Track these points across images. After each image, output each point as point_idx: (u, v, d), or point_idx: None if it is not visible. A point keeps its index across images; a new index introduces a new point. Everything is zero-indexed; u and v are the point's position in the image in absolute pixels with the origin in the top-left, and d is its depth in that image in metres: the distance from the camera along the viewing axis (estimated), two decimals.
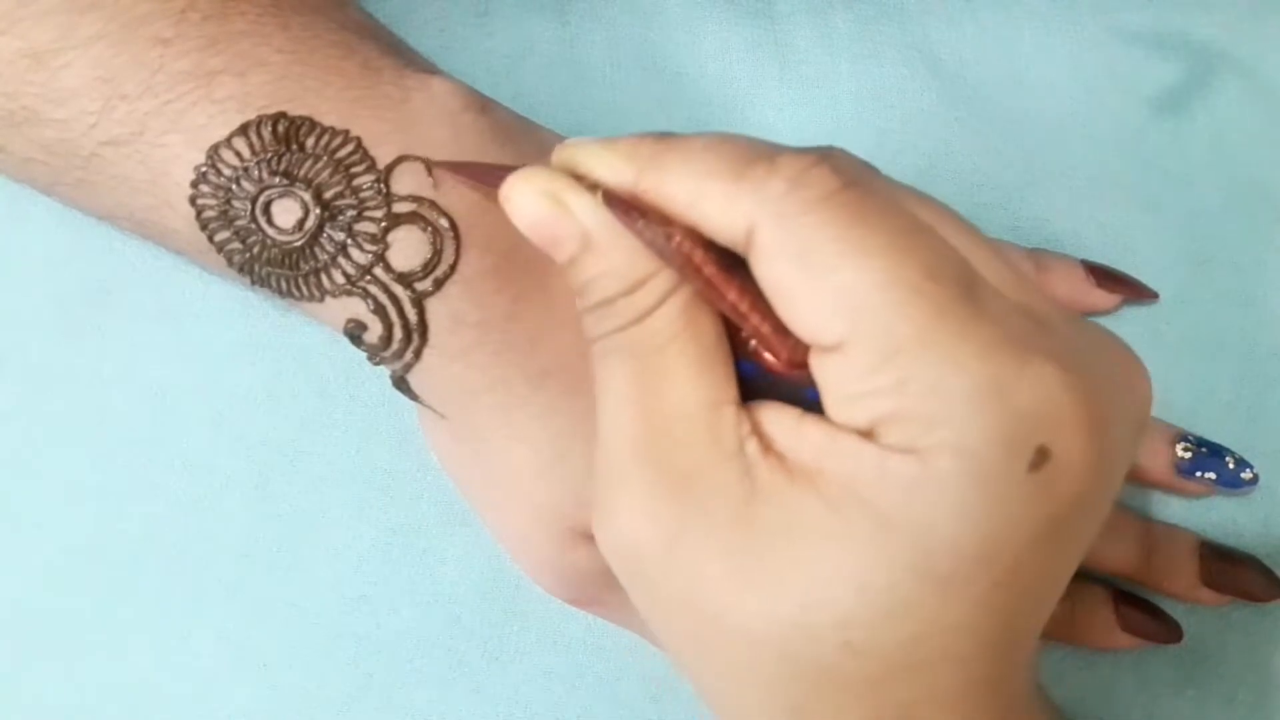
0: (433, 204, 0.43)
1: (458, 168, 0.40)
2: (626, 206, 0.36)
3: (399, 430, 0.49)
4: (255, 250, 0.44)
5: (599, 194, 0.36)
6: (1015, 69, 0.54)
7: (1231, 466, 0.49)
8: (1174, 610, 0.49)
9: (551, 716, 0.48)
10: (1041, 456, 0.33)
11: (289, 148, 0.43)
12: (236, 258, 0.44)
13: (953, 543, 0.33)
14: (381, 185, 0.43)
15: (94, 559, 0.48)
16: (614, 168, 0.36)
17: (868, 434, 0.34)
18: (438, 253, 0.43)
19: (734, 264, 0.35)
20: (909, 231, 0.34)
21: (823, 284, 0.33)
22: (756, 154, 0.35)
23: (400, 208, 0.43)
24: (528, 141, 0.46)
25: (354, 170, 0.43)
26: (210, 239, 0.44)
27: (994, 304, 0.34)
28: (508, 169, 0.37)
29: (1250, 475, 0.49)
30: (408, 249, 0.44)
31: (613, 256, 0.36)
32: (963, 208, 0.50)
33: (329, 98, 0.44)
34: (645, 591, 0.38)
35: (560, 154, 0.37)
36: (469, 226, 0.44)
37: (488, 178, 0.38)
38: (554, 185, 0.36)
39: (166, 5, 0.43)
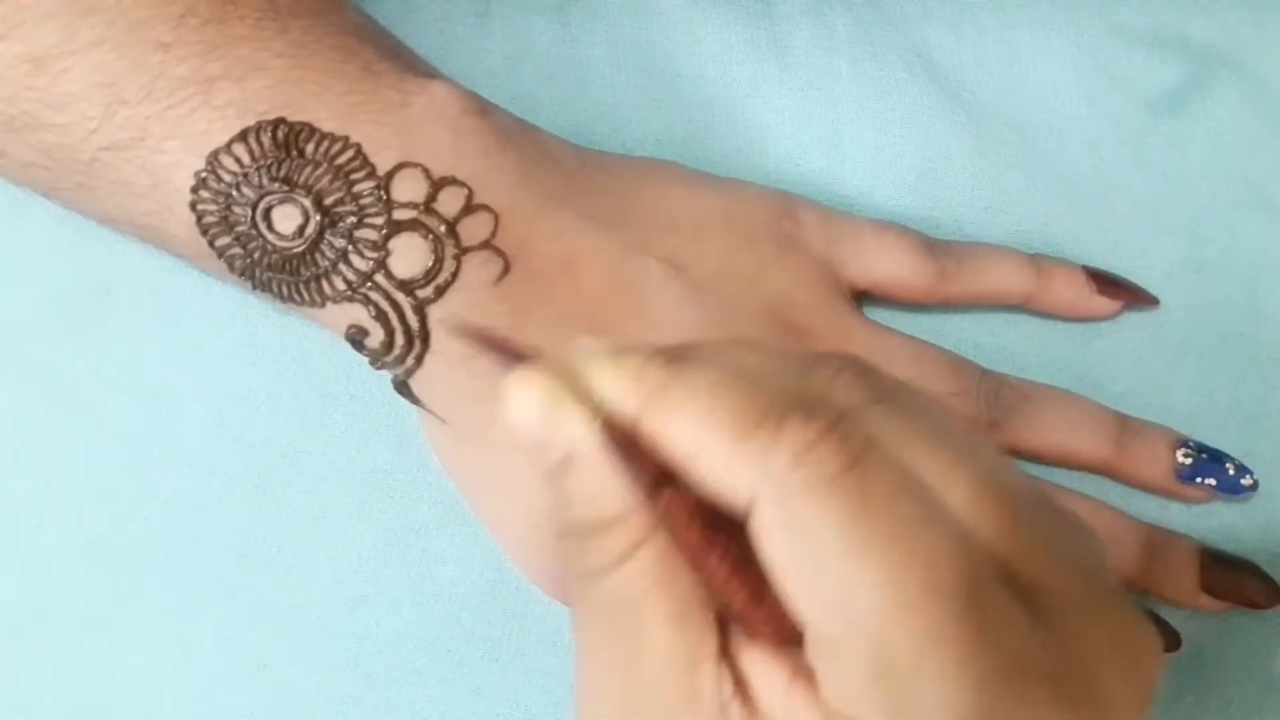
0: (434, 211, 0.43)
1: (476, 336, 0.39)
2: (623, 444, 0.33)
3: (399, 430, 0.49)
4: (256, 256, 0.44)
5: (598, 423, 0.34)
6: (1015, 71, 0.54)
7: (1232, 472, 0.49)
8: (1173, 616, 0.49)
9: (551, 717, 0.48)
10: None
11: (288, 154, 0.43)
12: (238, 263, 0.44)
13: None
14: (381, 192, 0.43)
15: (94, 559, 0.48)
16: (619, 392, 0.34)
17: None
18: (439, 260, 0.43)
19: (723, 519, 0.33)
20: (915, 527, 0.32)
21: (821, 579, 0.32)
22: (764, 411, 0.32)
23: (401, 215, 0.43)
24: (529, 145, 0.46)
25: (354, 177, 0.43)
26: (211, 244, 0.44)
27: (999, 615, 0.32)
28: (521, 353, 0.36)
29: (1250, 481, 0.49)
30: (409, 256, 0.44)
31: (592, 482, 0.34)
32: (962, 211, 0.51)
33: (328, 102, 0.44)
34: None
35: (569, 359, 0.35)
36: (470, 235, 0.44)
37: (500, 353, 0.37)
38: (552, 396, 0.34)
39: (166, 10, 0.43)
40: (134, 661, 0.48)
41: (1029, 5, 0.54)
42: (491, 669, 0.48)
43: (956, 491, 0.33)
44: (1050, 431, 0.49)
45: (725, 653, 0.34)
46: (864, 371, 0.35)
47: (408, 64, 0.46)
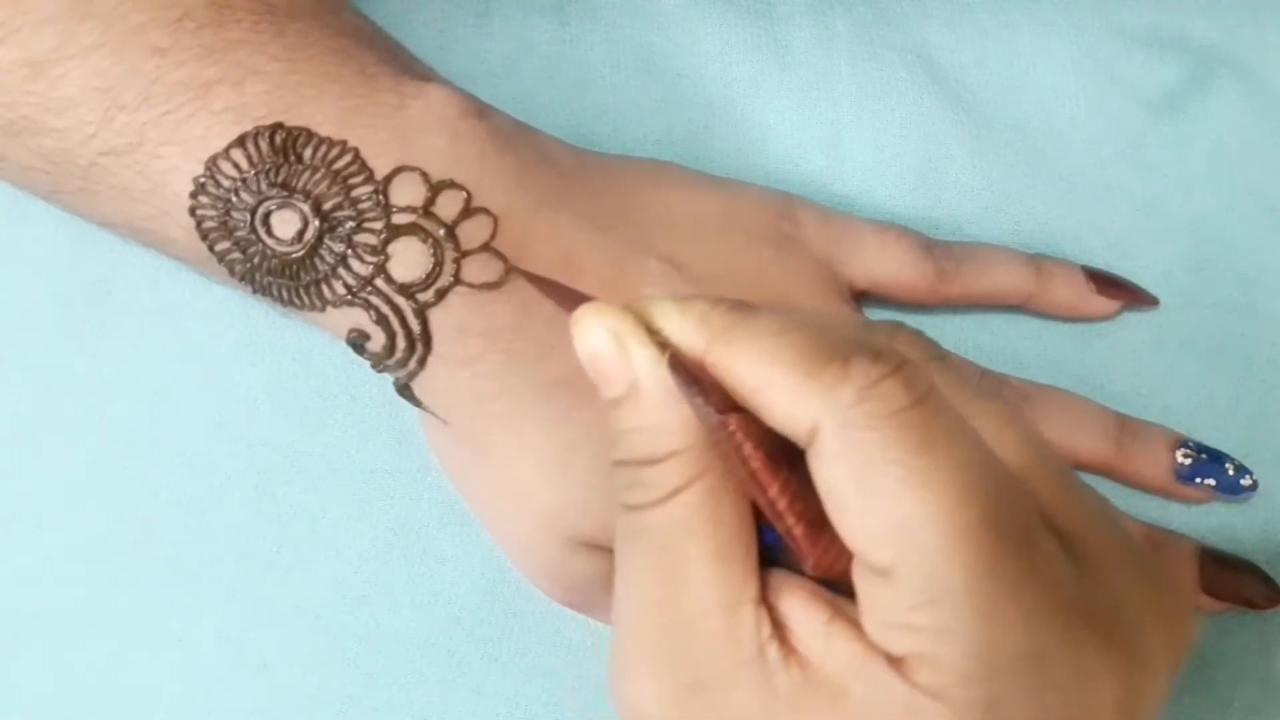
0: (433, 215, 0.43)
1: (538, 281, 0.40)
2: (689, 376, 0.35)
3: (399, 430, 0.49)
4: (256, 261, 0.44)
5: (667, 355, 0.35)
6: (1015, 72, 0.54)
7: (1231, 473, 0.49)
8: None
9: (551, 717, 0.48)
10: None
11: (286, 159, 0.43)
12: (238, 268, 0.44)
13: None
14: (380, 196, 0.43)
15: (94, 559, 0.48)
16: (685, 331, 0.35)
17: (899, 662, 0.33)
18: (439, 264, 0.43)
19: (782, 452, 0.34)
20: (973, 466, 0.33)
21: (879, 508, 0.33)
22: (830, 352, 0.33)
23: (399, 219, 0.43)
24: (526, 147, 0.46)
25: (352, 181, 0.43)
26: (210, 249, 0.44)
27: (1047, 556, 0.34)
28: (583, 296, 0.37)
29: (1250, 481, 0.49)
30: (409, 260, 0.44)
31: (653, 416, 0.35)
32: (963, 212, 0.51)
33: (325, 106, 0.44)
34: None
35: (636, 304, 0.36)
36: (470, 238, 0.44)
37: (564, 297, 0.38)
38: (623, 327, 0.35)
39: (162, 14, 0.43)
40: (134, 661, 0.48)
41: (1029, 5, 0.54)
42: (492, 669, 0.48)
43: (1009, 447, 0.35)
44: (1050, 431, 0.49)
45: (764, 598, 0.36)
46: (919, 333, 0.37)
47: (405, 66, 0.46)
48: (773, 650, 0.35)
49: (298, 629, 0.48)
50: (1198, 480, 0.49)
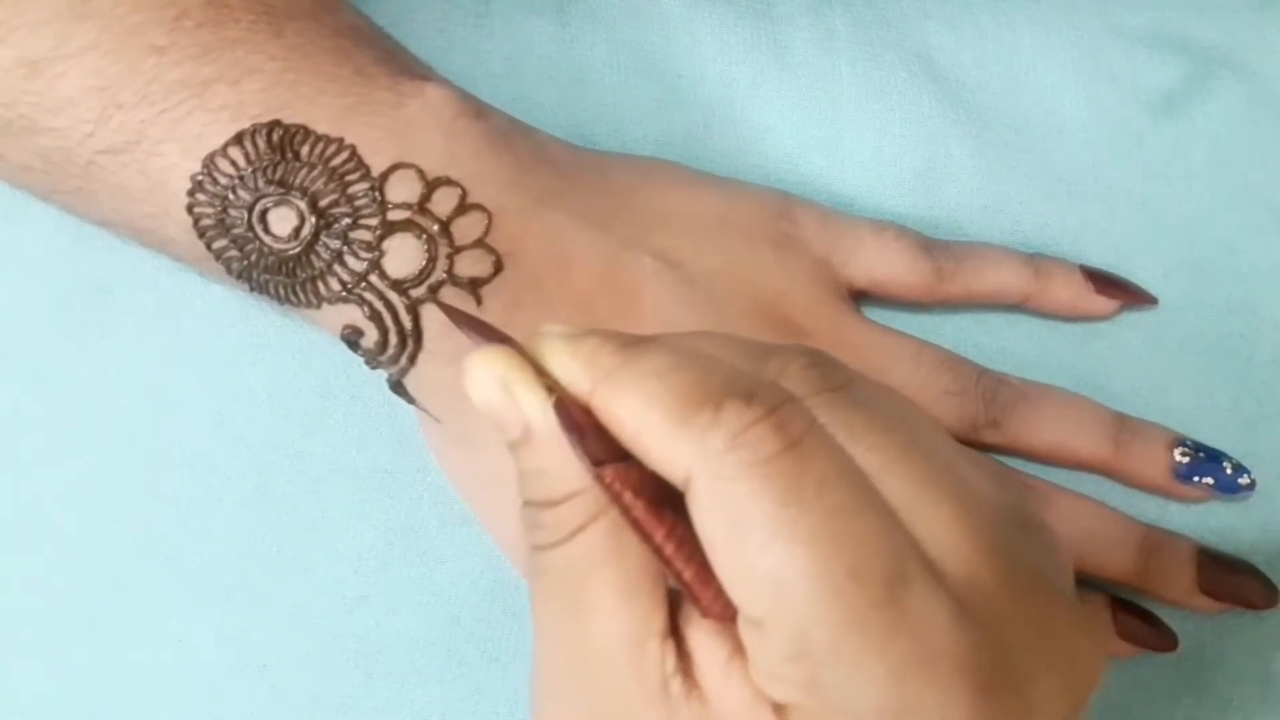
0: (427, 211, 0.44)
1: (452, 313, 0.40)
2: (574, 421, 0.34)
3: (399, 430, 0.49)
4: (253, 258, 0.44)
5: (553, 399, 0.34)
6: (1015, 72, 0.54)
7: (1229, 472, 0.49)
8: (1171, 616, 0.48)
9: None
10: None
11: (284, 156, 0.43)
12: (235, 265, 0.44)
13: None
14: (376, 193, 0.44)
15: (94, 559, 0.48)
16: (571, 372, 0.34)
17: (781, 709, 0.33)
18: (432, 260, 0.44)
19: (671, 496, 0.34)
20: (844, 513, 0.32)
21: (749, 560, 0.32)
22: (704, 395, 0.33)
23: (395, 215, 0.44)
24: (524, 146, 0.46)
25: (348, 178, 0.44)
26: (208, 247, 0.44)
27: (920, 605, 0.32)
28: (496, 332, 0.37)
29: (1248, 481, 0.49)
30: (402, 256, 0.44)
31: (548, 459, 0.35)
32: (962, 212, 0.51)
33: (323, 105, 0.44)
34: None
35: (531, 340, 0.36)
36: (463, 234, 0.44)
37: (477, 331, 0.38)
38: (509, 375, 0.35)
39: (160, 13, 0.43)
40: (134, 661, 0.48)
41: (1029, 6, 0.54)
42: (491, 669, 0.48)
43: (896, 483, 0.34)
44: (1049, 431, 0.49)
45: (674, 630, 0.35)
46: (817, 362, 0.36)
47: (403, 66, 0.46)
48: (676, 684, 0.34)
49: (298, 629, 0.48)
50: (1196, 479, 0.49)
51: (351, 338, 0.44)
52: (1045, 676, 0.34)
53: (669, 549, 0.34)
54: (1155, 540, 0.48)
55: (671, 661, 0.34)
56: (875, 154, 0.52)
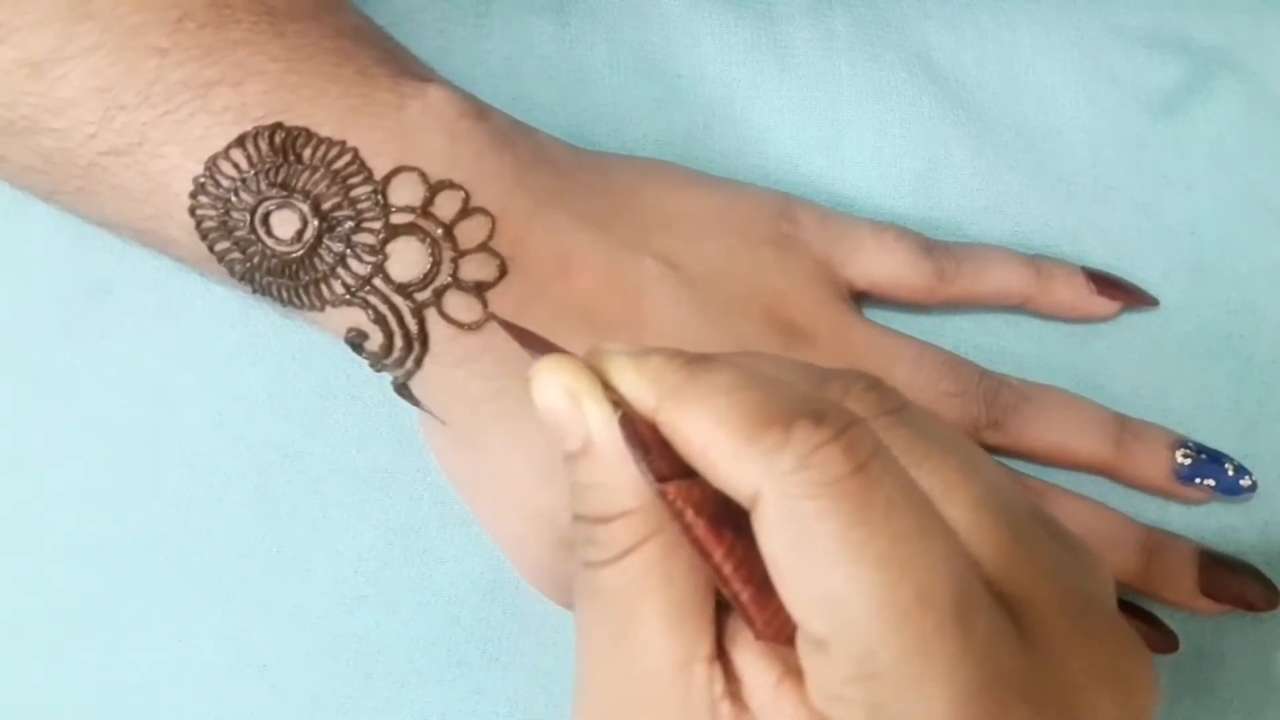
0: (431, 215, 0.43)
1: (511, 328, 0.39)
2: (639, 437, 0.34)
3: (399, 430, 0.49)
4: (255, 260, 0.44)
5: (619, 414, 0.34)
6: (1015, 72, 0.54)
7: (1230, 473, 0.49)
8: (1171, 617, 0.49)
9: (551, 717, 0.48)
10: None
11: (286, 159, 0.43)
12: (237, 268, 0.44)
13: None
14: (379, 196, 0.43)
15: (94, 559, 0.48)
16: (637, 388, 0.34)
17: None
18: (436, 264, 0.44)
19: (732, 514, 0.34)
20: (911, 536, 0.32)
21: (815, 579, 0.32)
22: (774, 414, 0.33)
23: (398, 219, 0.44)
24: (525, 147, 0.46)
25: (351, 181, 0.43)
26: (210, 249, 0.44)
27: (985, 630, 0.32)
28: (553, 346, 0.37)
29: (1249, 482, 0.49)
30: (406, 259, 0.44)
31: (606, 474, 0.35)
32: (962, 212, 0.51)
33: (325, 106, 0.44)
34: None
35: (594, 356, 0.36)
36: (467, 237, 0.44)
37: (535, 345, 0.38)
38: (578, 385, 0.35)
39: (162, 15, 0.43)
40: (134, 661, 0.48)
41: (1029, 6, 0.54)
42: (491, 669, 0.48)
43: (958, 506, 0.34)
44: (1050, 432, 0.49)
45: (721, 653, 0.35)
46: (876, 384, 0.36)
47: (404, 67, 0.46)
48: (725, 708, 0.34)
49: (297, 629, 0.48)
50: (1197, 480, 0.49)
51: (356, 341, 0.44)
52: (1105, 699, 0.34)
53: (728, 568, 0.34)
54: (1156, 542, 0.49)
55: (720, 685, 0.34)
56: (875, 154, 0.52)
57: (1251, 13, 0.55)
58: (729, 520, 0.34)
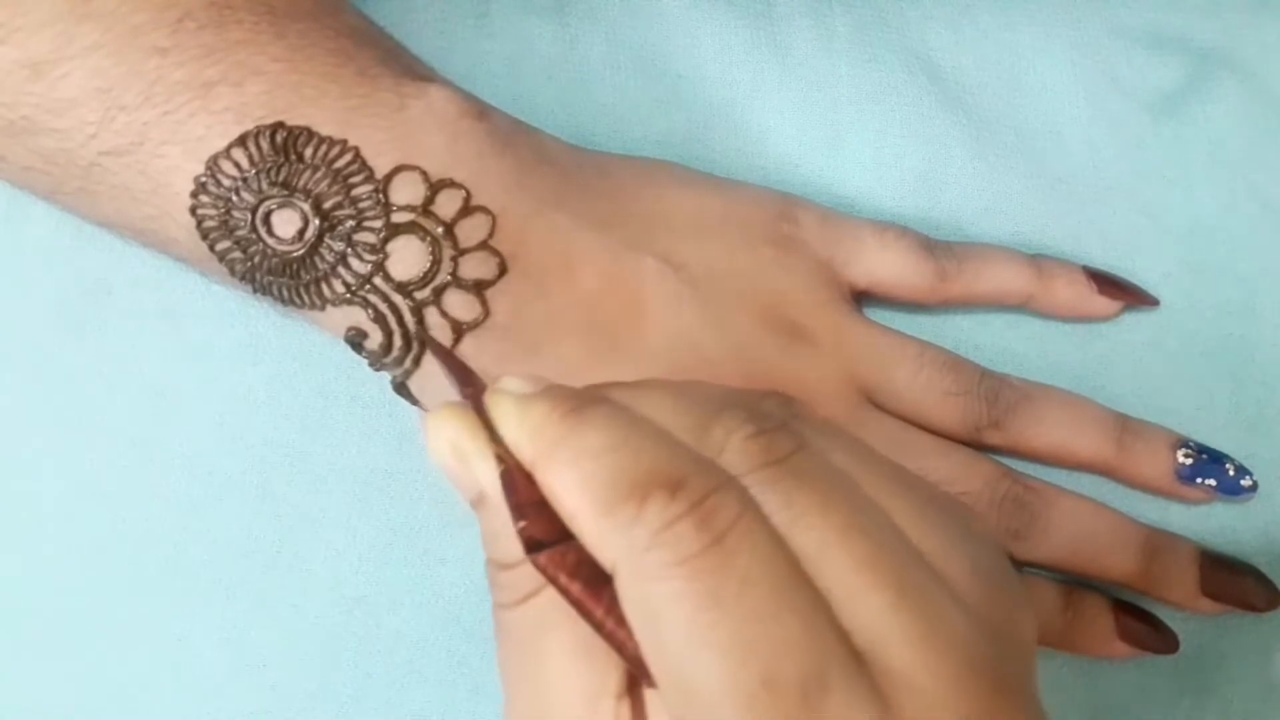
0: (431, 214, 0.43)
1: (437, 349, 0.39)
2: (516, 499, 0.33)
3: (399, 430, 0.49)
4: (256, 260, 0.44)
5: (501, 470, 0.34)
6: (1015, 73, 0.54)
7: (1231, 473, 0.49)
8: (1172, 618, 0.49)
9: None
10: None
11: (287, 158, 0.43)
12: (238, 267, 0.44)
13: None
14: (380, 195, 0.44)
15: (94, 559, 0.48)
16: (518, 441, 0.34)
17: None
18: (436, 262, 0.44)
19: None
20: (763, 617, 0.31)
21: (667, 663, 0.31)
22: (633, 485, 0.32)
23: (399, 218, 0.44)
24: (526, 147, 0.46)
25: (352, 180, 0.43)
26: (211, 249, 0.44)
27: (835, 710, 0.31)
28: (474, 376, 0.36)
29: (1250, 482, 0.49)
30: (407, 258, 0.44)
31: (499, 525, 0.34)
32: (962, 212, 0.51)
33: (325, 106, 0.44)
34: None
35: (488, 394, 0.35)
36: (468, 236, 0.44)
37: (457, 374, 0.37)
38: (460, 440, 0.34)
39: (163, 15, 0.43)
40: (134, 661, 0.48)
41: (1029, 6, 0.54)
42: (490, 669, 0.47)
43: (834, 568, 0.32)
44: (1051, 431, 0.49)
45: (634, 688, 0.34)
46: (765, 430, 0.34)
47: (405, 67, 0.46)
48: None
49: (297, 628, 0.48)
50: (1198, 481, 0.49)
51: (355, 339, 0.44)
52: None
53: (608, 625, 0.33)
54: (1157, 542, 0.49)
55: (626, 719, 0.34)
56: (876, 155, 0.52)
57: (1251, 13, 0.55)
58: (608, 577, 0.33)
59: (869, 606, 0.32)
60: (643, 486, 0.32)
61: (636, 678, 0.34)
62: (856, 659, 0.32)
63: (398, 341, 0.44)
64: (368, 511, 0.49)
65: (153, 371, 0.49)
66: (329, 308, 0.44)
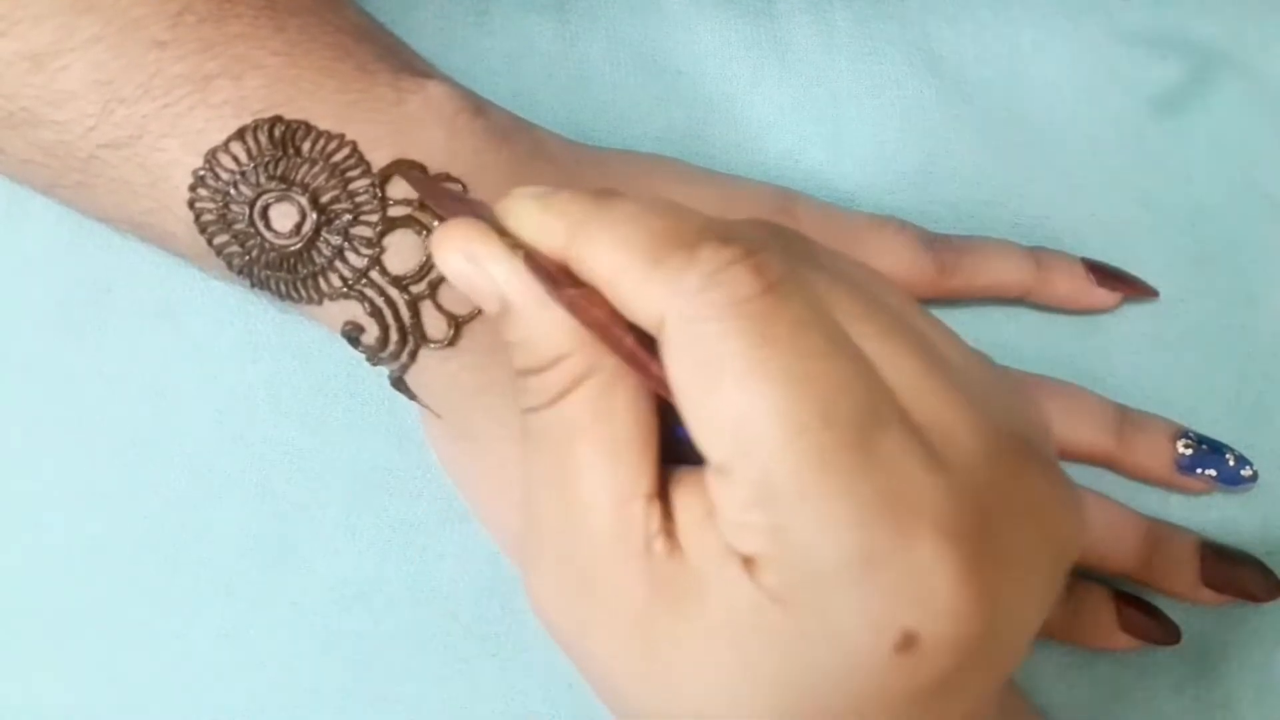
0: (428, 208, 0.44)
1: (424, 187, 0.39)
2: (548, 273, 0.34)
3: (399, 427, 0.49)
4: (254, 254, 0.44)
5: (521, 255, 0.34)
6: (1015, 67, 0.54)
7: (1232, 464, 0.49)
8: (1174, 610, 0.49)
9: (549, 714, 0.48)
10: (908, 640, 0.32)
11: (285, 152, 0.43)
12: (236, 261, 0.44)
13: (815, 701, 0.33)
14: (376, 190, 0.44)
15: (93, 558, 0.48)
16: (544, 227, 0.34)
17: (750, 562, 0.33)
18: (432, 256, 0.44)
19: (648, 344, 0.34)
20: (816, 355, 0.32)
21: (716, 402, 0.32)
22: (679, 237, 0.33)
23: (395, 212, 0.44)
24: (524, 143, 0.46)
25: (349, 175, 0.44)
26: (209, 242, 0.44)
27: (889, 451, 0.32)
28: (464, 204, 0.36)
29: (1250, 473, 0.49)
30: (403, 252, 0.44)
31: (528, 326, 0.35)
32: (963, 205, 0.51)
33: (324, 100, 0.44)
34: (564, 651, 0.38)
35: (500, 204, 0.36)
36: None
37: (444, 204, 0.37)
38: (477, 247, 0.35)
39: (163, 7, 0.43)
40: (133, 659, 0.48)
41: (1029, 1, 0.54)
42: (490, 665, 0.48)
43: (872, 332, 0.33)
44: (1051, 424, 0.49)
45: (662, 494, 0.35)
46: (788, 229, 0.35)
47: (404, 62, 0.46)
48: (659, 543, 0.34)
49: (296, 626, 0.48)
50: (1198, 471, 0.49)
51: (352, 334, 0.44)
52: (1021, 533, 0.34)
53: (654, 368, 0.33)
54: (1158, 533, 0.49)
55: (655, 522, 0.34)
56: (876, 149, 0.52)
57: (1252, 10, 0.55)
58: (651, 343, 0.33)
59: (903, 369, 0.33)
60: (691, 237, 0.33)
61: (666, 484, 0.35)
62: (903, 409, 0.33)
63: (394, 335, 0.44)
64: (367, 509, 0.49)
65: (152, 370, 0.49)
66: (326, 302, 0.44)
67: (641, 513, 0.35)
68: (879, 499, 0.31)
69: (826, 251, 0.36)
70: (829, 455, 0.31)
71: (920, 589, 0.32)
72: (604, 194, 0.34)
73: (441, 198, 0.37)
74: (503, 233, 0.35)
